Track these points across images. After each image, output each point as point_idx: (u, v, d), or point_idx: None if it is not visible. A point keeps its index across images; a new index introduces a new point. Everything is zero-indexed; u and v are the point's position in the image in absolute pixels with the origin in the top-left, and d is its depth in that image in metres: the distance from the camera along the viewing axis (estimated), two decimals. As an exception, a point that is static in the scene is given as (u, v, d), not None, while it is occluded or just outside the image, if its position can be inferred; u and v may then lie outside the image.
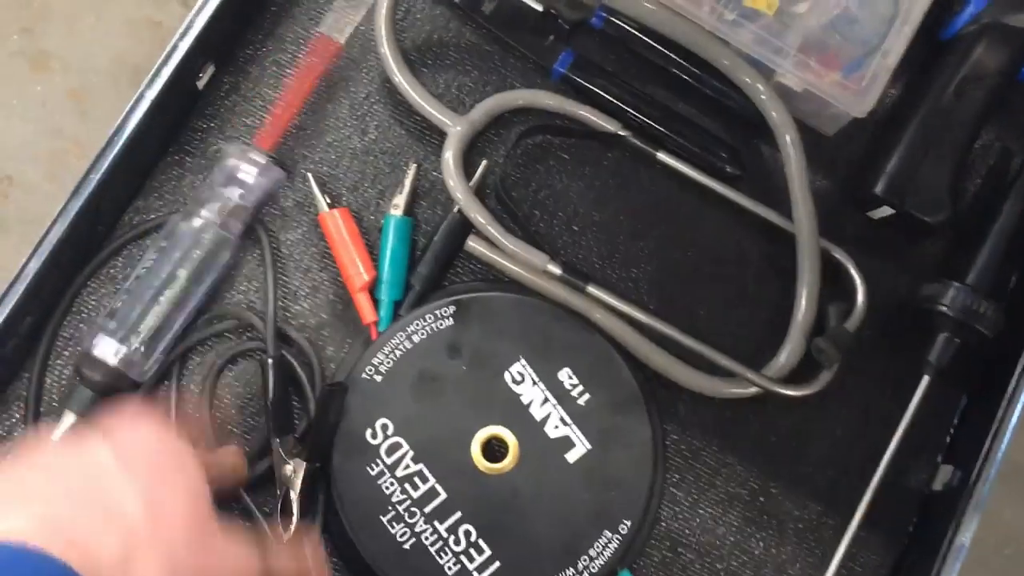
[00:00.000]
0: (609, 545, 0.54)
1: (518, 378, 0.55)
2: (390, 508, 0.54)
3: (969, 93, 0.59)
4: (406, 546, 0.54)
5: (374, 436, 0.54)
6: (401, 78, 0.58)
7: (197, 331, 0.56)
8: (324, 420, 0.54)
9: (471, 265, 0.59)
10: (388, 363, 0.55)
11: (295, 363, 0.56)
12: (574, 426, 0.55)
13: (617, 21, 0.60)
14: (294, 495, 0.54)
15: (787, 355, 0.57)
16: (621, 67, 0.61)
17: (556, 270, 0.56)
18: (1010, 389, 0.55)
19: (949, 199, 0.58)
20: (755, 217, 0.59)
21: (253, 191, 0.56)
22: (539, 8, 0.61)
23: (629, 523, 0.55)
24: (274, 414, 0.55)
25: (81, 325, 0.56)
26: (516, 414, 0.55)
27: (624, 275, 0.60)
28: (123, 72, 0.66)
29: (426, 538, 0.54)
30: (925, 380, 0.56)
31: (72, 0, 0.67)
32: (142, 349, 0.53)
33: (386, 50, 0.58)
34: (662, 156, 0.59)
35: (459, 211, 0.57)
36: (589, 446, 0.55)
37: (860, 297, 0.58)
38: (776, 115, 0.58)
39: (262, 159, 0.56)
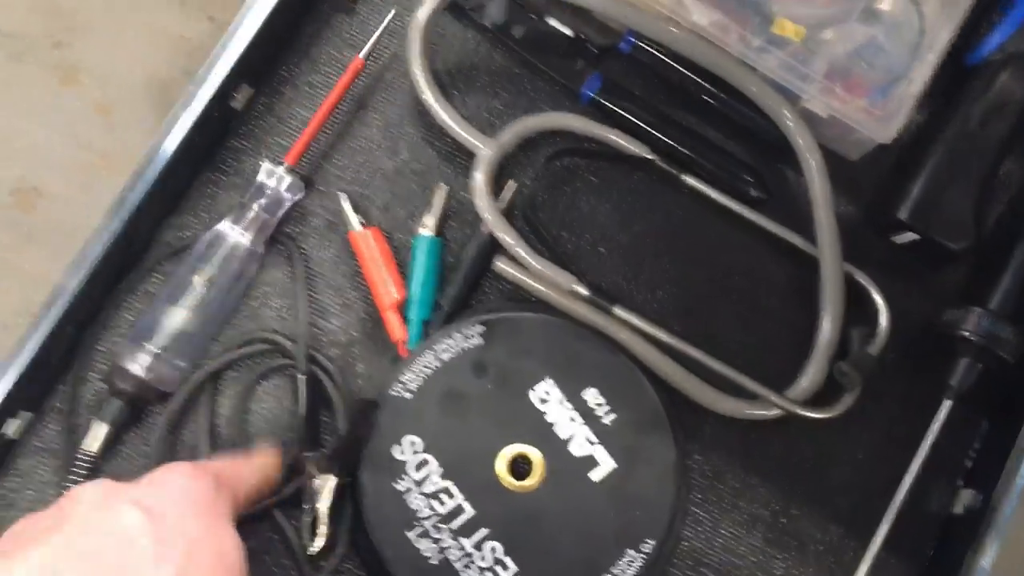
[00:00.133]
0: (632, 564, 0.56)
1: (544, 397, 0.57)
2: (417, 524, 0.55)
3: (994, 121, 0.60)
4: (433, 562, 0.55)
5: (402, 452, 0.56)
6: (432, 100, 0.60)
7: (229, 353, 0.58)
8: (354, 436, 0.55)
9: (499, 285, 0.60)
10: (417, 381, 0.57)
11: (325, 380, 0.57)
12: (599, 445, 0.57)
13: (645, 46, 0.62)
14: (323, 510, 0.55)
15: (810, 378, 0.59)
16: (648, 91, 0.63)
17: (583, 291, 0.57)
18: (1031, 414, 0.57)
19: (973, 225, 0.59)
20: (779, 241, 0.61)
21: (272, 201, 0.58)
22: (568, 33, 0.62)
23: (652, 542, 0.56)
24: (305, 429, 0.56)
25: (117, 339, 0.58)
26: (542, 432, 0.57)
27: (649, 296, 0.61)
28: (151, 86, 0.68)
29: (452, 554, 0.55)
30: (946, 405, 0.58)
31: (103, 15, 0.69)
32: (164, 358, 0.55)
33: (418, 72, 0.60)
34: (688, 179, 0.61)
35: (488, 232, 0.59)
36: (614, 465, 0.56)
37: (883, 321, 0.59)
38: (801, 140, 0.59)
39: (279, 170, 0.58)
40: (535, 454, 0.56)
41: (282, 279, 0.60)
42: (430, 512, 0.56)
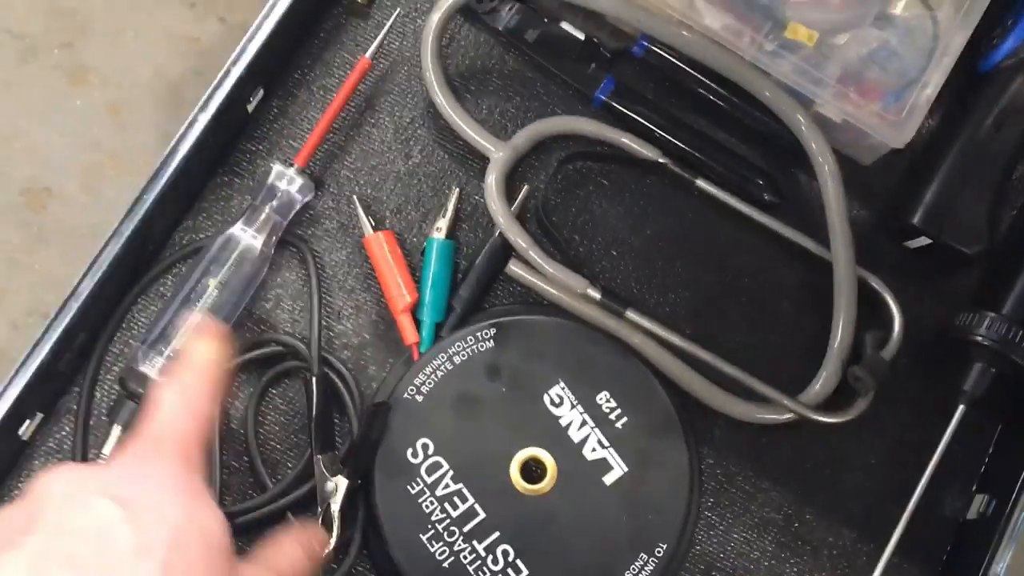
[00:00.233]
0: (645, 568, 0.56)
1: (557, 400, 0.58)
2: (429, 527, 0.56)
3: (1007, 125, 0.61)
4: (445, 564, 0.56)
5: (415, 455, 0.57)
6: (445, 104, 0.61)
7: (241, 355, 0.59)
8: (367, 438, 0.56)
9: (511, 288, 0.61)
10: (429, 384, 0.57)
11: (338, 382, 0.58)
12: (612, 449, 0.57)
13: (658, 50, 0.63)
14: (335, 512, 0.56)
15: (823, 382, 0.59)
16: (661, 95, 0.64)
17: (595, 294, 0.58)
18: (1045, 419, 0.57)
19: (986, 230, 0.60)
20: (792, 245, 0.62)
21: (283, 203, 0.59)
22: (581, 37, 0.63)
23: (665, 546, 0.57)
24: (317, 431, 0.57)
25: (131, 341, 0.59)
26: (554, 436, 0.57)
27: (661, 300, 0.62)
28: (161, 87, 0.69)
29: (464, 557, 0.56)
30: (960, 409, 0.58)
31: (112, 15, 0.70)
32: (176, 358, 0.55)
33: (431, 76, 0.61)
34: (701, 183, 0.62)
35: (500, 235, 0.60)
36: (626, 469, 0.57)
37: (897, 326, 0.60)
38: (815, 145, 0.60)
39: (290, 171, 0.59)
40: (547, 458, 0.57)
41: (295, 281, 0.60)
42: (442, 515, 0.56)
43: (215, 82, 0.57)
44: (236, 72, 0.57)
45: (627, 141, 0.62)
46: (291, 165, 0.59)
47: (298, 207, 0.60)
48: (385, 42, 0.63)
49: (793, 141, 0.61)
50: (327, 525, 0.56)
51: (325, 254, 0.61)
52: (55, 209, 0.66)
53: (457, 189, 0.61)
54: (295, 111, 0.62)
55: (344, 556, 0.56)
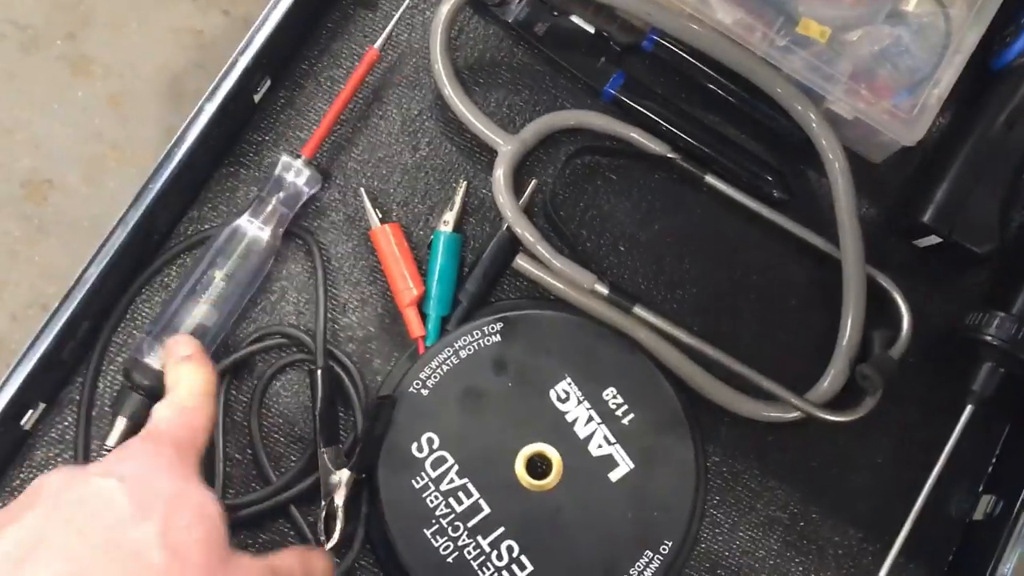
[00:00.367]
0: (650, 565, 0.57)
1: (563, 396, 0.58)
2: (434, 521, 0.57)
3: (1019, 124, 0.62)
4: (449, 559, 0.56)
5: (420, 449, 0.57)
6: (454, 96, 0.61)
7: (246, 347, 0.59)
8: (372, 432, 0.56)
9: (518, 282, 0.62)
10: (435, 378, 0.58)
11: (343, 375, 0.58)
12: (618, 445, 0.58)
13: (668, 44, 0.64)
14: (339, 505, 0.56)
15: (831, 380, 0.60)
16: (671, 90, 0.65)
17: (603, 290, 0.59)
18: (1054, 420, 0.58)
19: (997, 229, 0.61)
20: (801, 242, 0.62)
21: (290, 194, 0.59)
22: (591, 30, 0.64)
23: (670, 543, 0.57)
24: (321, 424, 0.57)
25: (135, 331, 0.59)
26: (560, 432, 0.58)
27: (669, 296, 0.62)
28: (163, 79, 0.69)
29: (468, 552, 0.56)
30: (968, 409, 0.59)
31: (115, 7, 0.70)
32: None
33: (439, 68, 0.61)
34: (710, 179, 0.62)
35: (508, 229, 0.60)
36: (632, 465, 0.58)
37: (905, 324, 0.61)
38: (825, 141, 0.61)
39: (297, 163, 0.59)
40: (553, 453, 0.58)
41: (300, 273, 0.61)
42: (447, 510, 0.57)
43: (222, 72, 0.58)
44: (243, 62, 0.58)
45: (636, 136, 0.62)
46: (298, 156, 0.59)
47: (305, 199, 0.60)
48: (394, 34, 0.63)
49: (803, 137, 0.62)
50: (330, 519, 0.56)
51: (331, 246, 0.61)
52: (56, 201, 0.67)
53: (464, 182, 0.62)
54: (302, 102, 0.63)
55: (347, 550, 0.57)
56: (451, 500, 0.57)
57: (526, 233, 0.59)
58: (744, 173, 0.63)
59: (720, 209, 0.63)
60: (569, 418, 0.58)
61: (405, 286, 0.60)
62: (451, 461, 0.57)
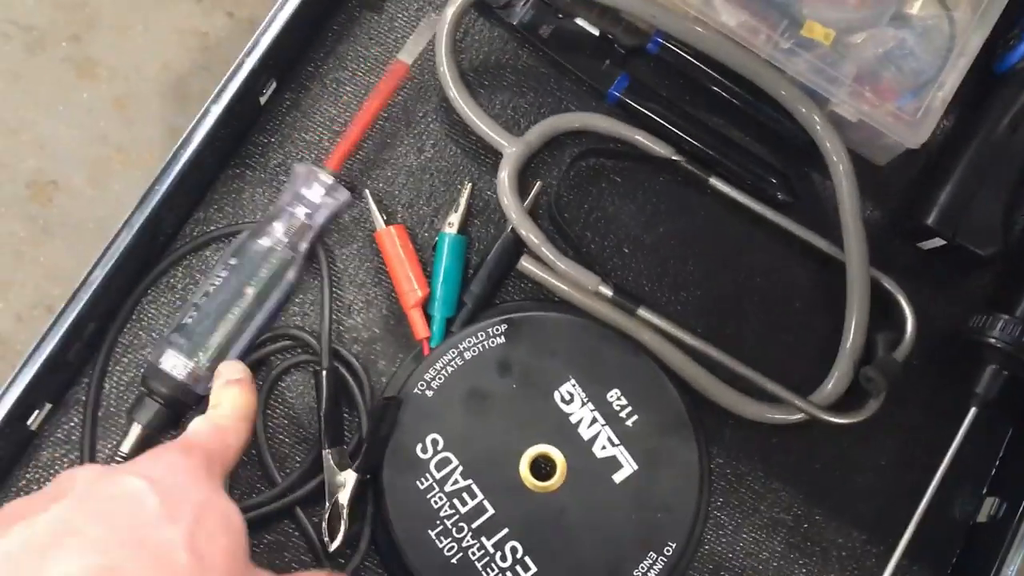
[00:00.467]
0: (654, 567, 0.57)
1: (567, 397, 0.59)
2: (438, 522, 0.57)
3: (1023, 127, 0.62)
4: (453, 560, 0.57)
5: (424, 451, 0.58)
6: (459, 98, 0.62)
7: (254, 351, 0.60)
8: (377, 433, 0.57)
9: (522, 284, 0.62)
10: (439, 379, 0.58)
11: (348, 376, 0.59)
12: (622, 447, 0.58)
13: (673, 47, 0.64)
14: (343, 506, 0.57)
15: (834, 383, 0.60)
16: (675, 92, 0.65)
17: (607, 291, 0.59)
18: (1057, 422, 0.58)
19: (1001, 232, 0.61)
20: (805, 244, 0.63)
21: (320, 211, 0.60)
22: (596, 33, 0.64)
23: (674, 545, 0.58)
24: (326, 425, 0.58)
25: (140, 332, 0.60)
26: (564, 433, 0.58)
27: (673, 298, 0.63)
28: (168, 81, 0.70)
29: (473, 553, 0.57)
30: (972, 412, 0.59)
31: (120, 9, 0.70)
32: (207, 365, 0.56)
33: (445, 70, 0.62)
34: (714, 181, 0.63)
35: (512, 231, 0.61)
36: (636, 467, 0.58)
37: (909, 327, 0.61)
38: (829, 144, 0.61)
39: (330, 180, 0.60)
40: (557, 455, 0.58)
41: (306, 275, 0.61)
42: (451, 511, 0.57)
43: (228, 73, 0.58)
44: (249, 64, 0.58)
45: (641, 138, 0.63)
46: (327, 171, 0.59)
47: (327, 214, 0.60)
48: (399, 36, 0.64)
49: (807, 140, 0.62)
50: (335, 520, 0.57)
51: (336, 248, 0.62)
52: (61, 202, 0.67)
53: (469, 184, 0.63)
54: (308, 104, 0.63)
55: (353, 551, 0.57)
56: (455, 501, 0.57)
57: (531, 235, 0.60)
58: (748, 175, 0.63)
59: (724, 211, 0.64)
60: (573, 420, 0.59)
61: (410, 288, 0.60)
62: (455, 462, 0.58)
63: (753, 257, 0.64)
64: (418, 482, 0.57)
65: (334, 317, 0.61)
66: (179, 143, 0.58)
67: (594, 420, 0.59)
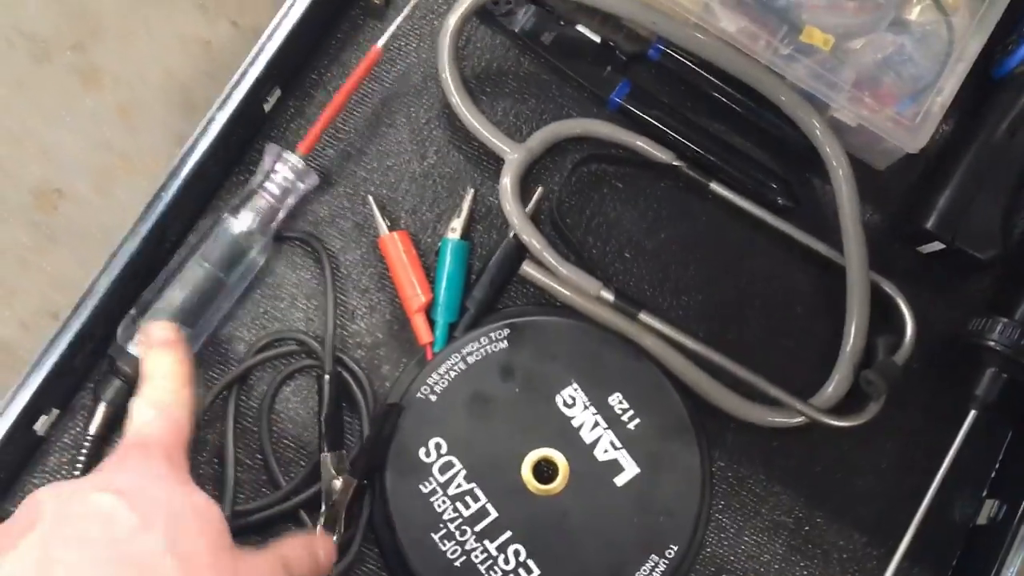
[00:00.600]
0: (656, 569, 0.58)
1: (569, 401, 0.59)
2: (441, 526, 0.58)
3: (1022, 132, 0.63)
4: (456, 563, 0.58)
5: (427, 454, 0.58)
6: (461, 105, 0.63)
7: (256, 352, 0.61)
8: (377, 438, 0.58)
9: (525, 289, 0.63)
10: (443, 383, 0.59)
11: (351, 381, 0.60)
12: (624, 450, 0.59)
13: (673, 53, 0.65)
14: (340, 510, 0.58)
15: (835, 386, 0.61)
16: (676, 99, 0.66)
17: (609, 296, 0.60)
18: (1056, 425, 0.59)
19: (1000, 236, 0.62)
20: (806, 249, 0.63)
21: (289, 194, 0.60)
22: (597, 40, 0.65)
23: (676, 548, 0.58)
24: (326, 430, 0.59)
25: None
26: (567, 437, 0.59)
27: (675, 302, 0.64)
28: (173, 89, 0.70)
29: (476, 556, 0.58)
30: (971, 414, 0.60)
31: (125, 18, 0.71)
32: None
33: (447, 77, 0.63)
34: (715, 187, 0.64)
35: (515, 236, 0.62)
36: (638, 470, 0.59)
37: (909, 330, 0.62)
38: (829, 149, 0.62)
39: (299, 163, 0.60)
40: (560, 458, 0.59)
41: (310, 280, 0.62)
42: (454, 514, 0.58)
43: (232, 81, 0.59)
44: (254, 72, 0.59)
45: (642, 144, 0.64)
46: (292, 151, 0.60)
47: (297, 194, 0.61)
48: (402, 43, 0.65)
49: (808, 145, 0.63)
50: (331, 523, 0.58)
51: (340, 254, 0.63)
52: (66, 210, 0.68)
53: (472, 190, 0.63)
54: (312, 111, 0.64)
55: (343, 555, 0.58)
56: (458, 504, 0.58)
57: (533, 240, 0.61)
58: (749, 181, 0.64)
59: (725, 216, 0.64)
60: (575, 423, 0.59)
61: (413, 293, 0.61)
62: (459, 466, 0.58)
63: (754, 262, 0.65)
64: (421, 486, 0.58)
65: (338, 322, 0.62)
66: (184, 150, 0.59)
67: (596, 424, 0.59)
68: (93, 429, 0.58)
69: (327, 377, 0.60)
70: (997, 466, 0.63)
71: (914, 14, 0.61)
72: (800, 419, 0.61)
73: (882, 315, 0.62)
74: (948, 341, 0.63)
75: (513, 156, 0.62)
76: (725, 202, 0.64)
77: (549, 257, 0.61)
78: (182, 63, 0.71)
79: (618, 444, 0.59)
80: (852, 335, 0.61)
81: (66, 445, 0.59)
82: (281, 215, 0.61)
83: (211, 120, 0.59)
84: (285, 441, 0.60)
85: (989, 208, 0.62)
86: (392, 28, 0.61)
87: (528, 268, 0.61)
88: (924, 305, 0.63)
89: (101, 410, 0.58)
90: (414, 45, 0.65)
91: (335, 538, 0.57)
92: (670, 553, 0.58)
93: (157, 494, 0.45)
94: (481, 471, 0.58)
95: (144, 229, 0.57)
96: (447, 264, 0.62)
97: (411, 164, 0.64)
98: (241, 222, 0.59)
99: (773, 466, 0.62)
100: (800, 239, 0.63)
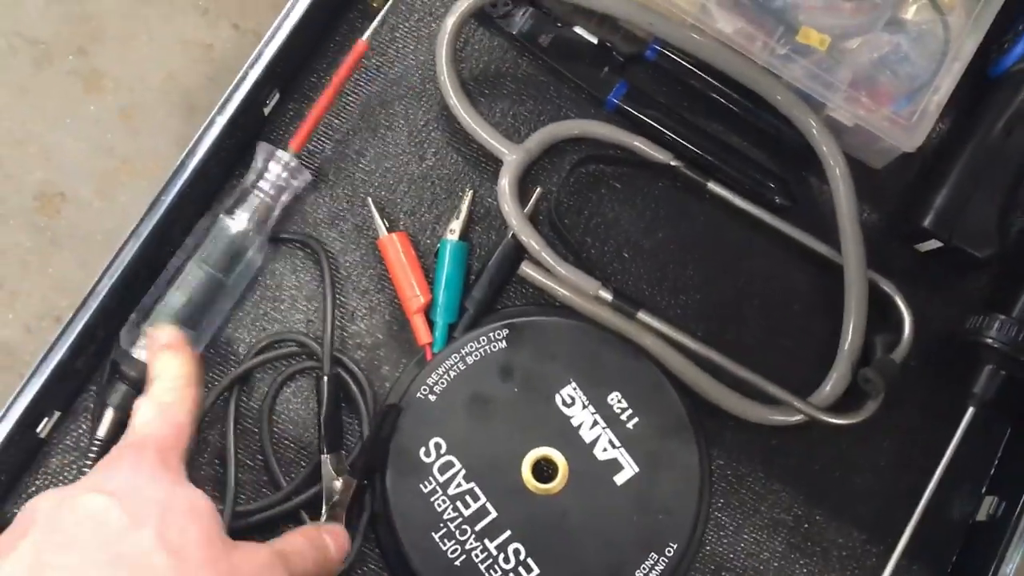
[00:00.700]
0: (655, 568, 0.58)
1: (568, 401, 0.59)
2: (442, 525, 0.58)
3: (1018, 130, 0.63)
4: (456, 563, 0.58)
5: (427, 454, 0.58)
6: (459, 107, 0.63)
7: (256, 354, 0.61)
8: (376, 439, 0.58)
9: (524, 289, 0.63)
10: (442, 384, 0.59)
11: (351, 382, 0.60)
12: (623, 449, 0.59)
13: (670, 54, 0.65)
14: (340, 510, 0.58)
15: (833, 384, 0.61)
16: (673, 99, 0.66)
17: (607, 296, 0.60)
18: (1054, 421, 0.59)
19: (997, 234, 0.62)
20: (804, 248, 0.64)
21: (283, 192, 0.61)
22: (594, 41, 0.65)
23: (675, 546, 0.58)
24: (325, 431, 0.59)
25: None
26: (566, 436, 0.59)
27: (673, 302, 0.64)
28: (174, 93, 0.70)
29: (476, 555, 0.58)
30: (970, 412, 0.60)
31: (126, 22, 0.71)
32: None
33: (445, 79, 0.63)
34: (712, 186, 0.64)
35: (513, 237, 0.62)
36: (637, 469, 0.59)
37: (907, 328, 0.62)
38: (826, 148, 0.62)
39: (293, 160, 0.60)
40: (559, 457, 0.59)
41: (310, 282, 0.62)
42: (454, 514, 0.58)
43: (232, 85, 0.59)
44: (253, 75, 0.59)
45: (639, 144, 0.64)
46: (285, 151, 0.60)
47: (292, 190, 0.61)
48: (400, 46, 0.65)
49: (804, 145, 0.63)
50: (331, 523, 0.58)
51: (339, 255, 0.63)
52: (69, 214, 0.68)
53: (470, 191, 0.64)
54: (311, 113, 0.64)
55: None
56: (458, 504, 0.58)
57: (531, 241, 0.61)
58: (747, 180, 0.64)
59: (723, 216, 0.65)
60: (574, 423, 0.59)
61: (412, 294, 0.61)
62: (458, 466, 0.59)
63: (752, 261, 0.65)
64: (421, 485, 0.58)
65: (338, 323, 0.62)
66: (184, 153, 0.59)
67: (595, 423, 0.59)
68: (102, 433, 0.57)
69: (326, 378, 0.60)
70: (996, 463, 0.63)
71: (910, 13, 0.61)
72: (799, 417, 0.61)
73: (880, 313, 0.62)
74: (946, 339, 0.63)
75: (511, 157, 0.62)
76: (723, 202, 0.64)
77: (547, 257, 0.61)
78: (183, 66, 0.71)
79: (617, 443, 0.59)
80: (850, 333, 0.61)
81: (68, 447, 0.59)
82: (276, 213, 0.61)
83: (211, 123, 0.59)
84: (286, 442, 0.61)
85: (986, 206, 0.62)
86: (376, 23, 0.62)
87: (527, 268, 0.62)
88: (922, 303, 0.63)
89: (109, 415, 0.57)
90: (412, 47, 0.66)
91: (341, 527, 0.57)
92: (669, 551, 0.58)
93: (148, 493, 0.46)
94: (481, 471, 0.58)
95: (145, 232, 0.58)
96: (446, 265, 0.62)
97: (410, 166, 0.64)
98: (237, 222, 0.59)
99: (772, 464, 0.62)
100: (798, 238, 0.63)
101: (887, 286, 0.63)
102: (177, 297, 0.58)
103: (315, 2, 0.61)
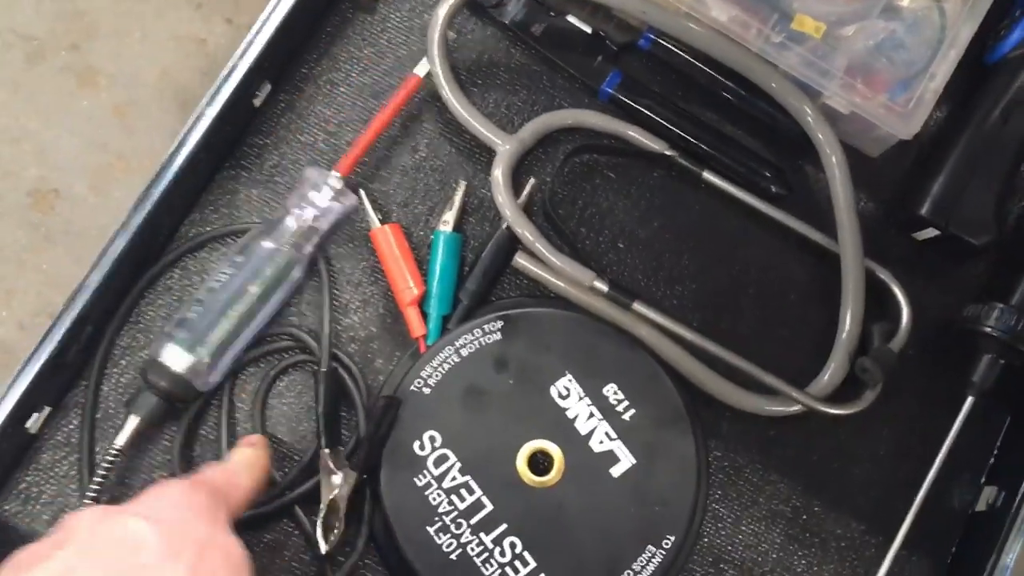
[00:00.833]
0: (652, 560, 0.57)
1: (564, 393, 0.58)
2: (437, 519, 0.57)
3: (1015, 117, 0.62)
4: (452, 556, 0.57)
5: (422, 448, 0.57)
6: (452, 97, 0.62)
7: (251, 351, 0.60)
8: (375, 433, 0.57)
9: (518, 281, 0.62)
10: (436, 376, 0.58)
11: (345, 376, 0.59)
12: (619, 441, 0.58)
13: (664, 43, 0.64)
14: (339, 505, 0.56)
15: (831, 374, 0.60)
16: (668, 88, 0.65)
17: (602, 287, 0.59)
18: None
19: (994, 221, 0.61)
20: (800, 237, 0.62)
21: (327, 215, 0.60)
22: (588, 30, 0.64)
23: (673, 538, 0.57)
24: (324, 426, 0.58)
25: (138, 334, 0.59)
26: (562, 428, 0.58)
27: (669, 292, 0.63)
28: (168, 88, 0.70)
29: (472, 549, 0.56)
30: (969, 401, 0.59)
31: (120, 17, 0.70)
32: (208, 360, 0.56)
33: (438, 69, 0.62)
34: (707, 175, 0.62)
35: (507, 228, 0.61)
36: (634, 461, 0.58)
37: (904, 317, 0.61)
38: (822, 136, 0.61)
39: (339, 184, 0.59)
40: (555, 450, 0.58)
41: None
42: (450, 507, 0.57)
43: (222, 76, 0.58)
44: (243, 67, 0.58)
45: (634, 134, 0.63)
46: (336, 176, 0.59)
47: (338, 212, 0.60)
48: (392, 36, 0.64)
49: (800, 133, 0.62)
50: (330, 519, 0.56)
51: (332, 247, 0.62)
52: (63, 210, 0.67)
53: (464, 182, 0.62)
54: (302, 105, 0.63)
55: (351, 549, 0.57)
56: (453, 497, 0.57)
57: (525, 232, 0.60)
58: (742, 169, 0.63)
59: (719, 205, 0.63)
60: (570, 415, 0.58)
61: (406, 286, 0.60)
62: (453, 459, 0.57)
63: (748, 250, 0.63)
64: (416, 479, 0.57)
65: (331, 317, 0.60)
66: (174, 146, 0.58)
67: (591, 415, 0.58)
68: (120, 442, 0.56)
69: (322, 373, 0.58)
70: (995, 452, 0.62)
71: (906, 0, 0.60)
72: (796, 408, 0.60)
73: (877, 302, 0.61)
74: (944, 327, 0.62)
75: (505, 148, 0.61)
76: (718, 191, 0.63)
77: (542, 248, 0.59)
78: (177, 62, 0.70)
79: (613, 435, 0.58)
80: (847, 323, 0.60)
81: (59, 443, 0.58)
82: (321, 235, 0.60)
83: (201, 115, 0.58)
84: (279, 437, 0.59)
85: (983, 194, 0.61)
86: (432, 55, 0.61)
87: (521, 259, 0.60)
88: (919, 292, 0.62)
89: (132, 423, 0.56)
90: (404, 38, 0.64)
91: (333, 535, 0.56)
92: (667, 543, 0.57)
93: (190, 529, 0.46)
94: (476, 464, 0.57)
95: (135, 224, 0.57)
96: (439, 257, 0.60)
97: (402, 157, 0.63)
98: (297, 255, 0.58)
99: (770, 455, 0.61)
100: (794, 227, 0.62)
101: (884, 275, 0.61)
102: (232, 325, 0.57)
103: (305, -8, 0.60)
